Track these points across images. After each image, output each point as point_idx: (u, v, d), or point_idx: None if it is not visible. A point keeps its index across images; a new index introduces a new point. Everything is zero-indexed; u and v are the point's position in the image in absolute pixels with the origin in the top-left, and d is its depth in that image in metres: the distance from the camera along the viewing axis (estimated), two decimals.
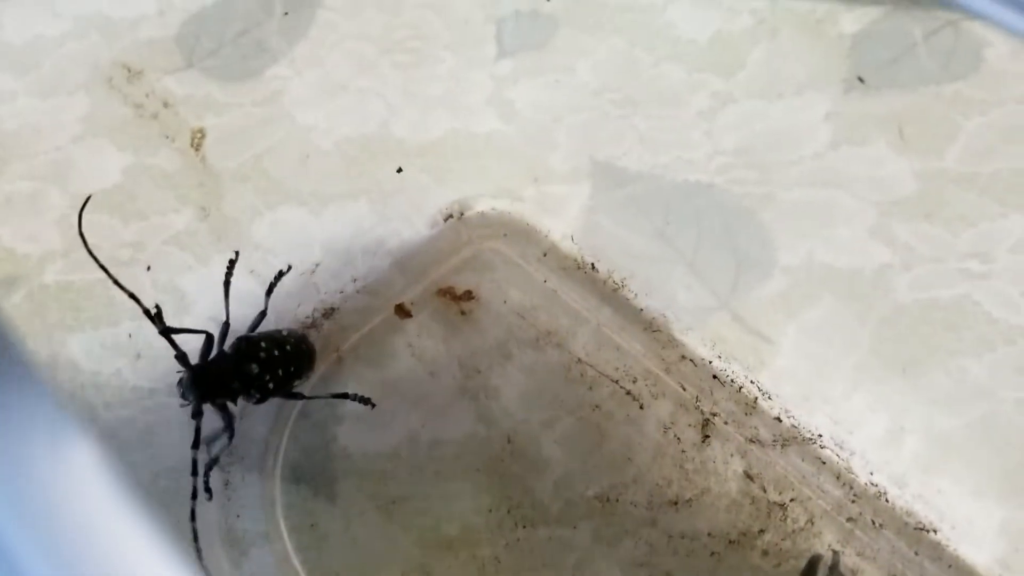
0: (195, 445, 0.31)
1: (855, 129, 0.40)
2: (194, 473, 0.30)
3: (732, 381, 0.37)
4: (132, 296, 0.31)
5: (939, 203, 0.37)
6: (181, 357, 0.31)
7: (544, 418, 0.36)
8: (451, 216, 0.40)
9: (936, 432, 0.34)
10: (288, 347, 0.34)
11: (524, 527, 0.34)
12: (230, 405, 0.33)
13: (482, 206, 0.40)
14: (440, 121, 0.41)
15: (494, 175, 0.39)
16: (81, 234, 0.32)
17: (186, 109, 0.41)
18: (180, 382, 0.32)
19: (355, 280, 0.39)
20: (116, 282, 0.31)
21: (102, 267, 0.31)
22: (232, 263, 0.34)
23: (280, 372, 0.33)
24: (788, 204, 0.38)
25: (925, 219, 0.37)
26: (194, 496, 0.30)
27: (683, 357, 0.36)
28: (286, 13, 0.43)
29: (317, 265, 0.38)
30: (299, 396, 0.35)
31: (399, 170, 0.39)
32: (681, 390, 0.36)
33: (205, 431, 0.32)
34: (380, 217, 0.39)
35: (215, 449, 0.33)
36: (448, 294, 0.38)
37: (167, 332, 0.31)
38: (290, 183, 0.40)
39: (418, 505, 0.35)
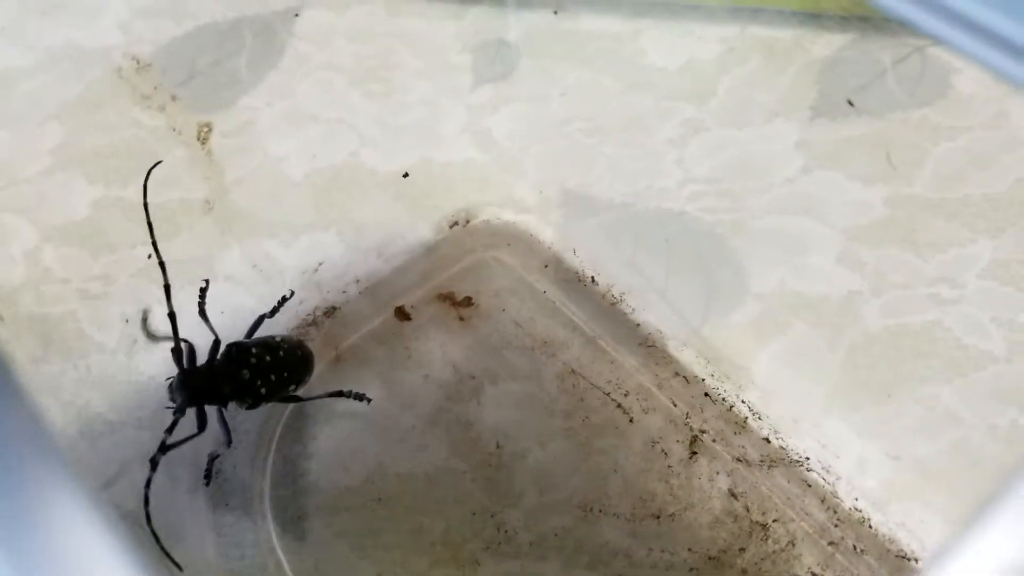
0: (169, 431, 0.31)
1: (825, 156, 0.40)
2: (162, 451, 0.31)
3: (723, 400, 0.37)
4: (162, 264, 0.31)
5: (909, 229, 0.38)
6: (176, 351, 0.31)
7: (534, 426, 0.36)
8: (456, 223, 0.40)
9: (915, 459, 0.34)
10: (281, 353, 0.34)
11: (505, 531, 0.34)
12: (224, 411, 0.33)
13: (487, 215, 0.41)
14: (413, 150, 0.41)
15: (466, 203, 0.39)
16: (145, 205, 0.33)
17: None
18: (170, 386, 0.32)
19: (358, 281, 0.39)
20: (155, 246, 0.31)
21: (150, 229, 0.32)
22: (203, 291, 0.34)
23: (273, 378, 0.33)
24: (760, 231, 0.39)
25: (895, 245, 0.37)
26: (147, 485, 0.30)
27: (676, 374, 0.37)
28: (256, 43, 0.43)
29: (320, 264, 0.39)
30: (294, 399, 0.35)
31: (405, 175, 0.40)
32: (672, 406, 0.36)
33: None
34: (348, 247, 0.39)
35: (215, 448, 0.34)
36: (448, 299, 0.39)
37: (172, 316, 0.31)
38: (262, 215, 0.39)
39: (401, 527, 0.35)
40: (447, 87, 0.42)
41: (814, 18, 0.43)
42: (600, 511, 0.35)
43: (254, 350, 0.33)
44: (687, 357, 0.36)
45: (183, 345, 0.32)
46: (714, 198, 0.39)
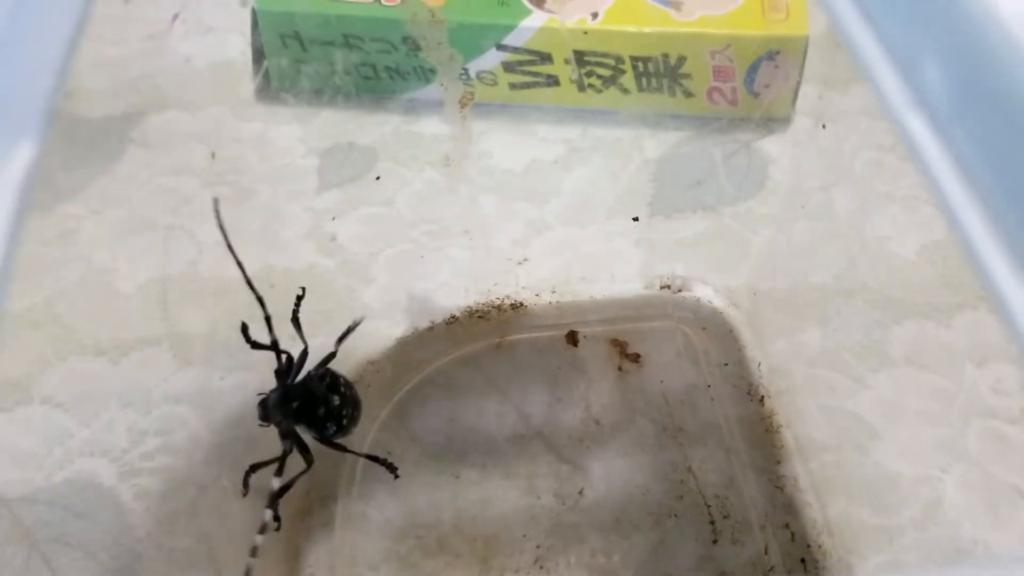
0: (278, 473, 0.28)
1: (664, 252, 0.41)
2: (275, 498, 0.28)
3: (817, 573, 0.33)
4: (256, 295, 0.29)
5: (738, 320, 0.39)
6: (281, 374, 0.30)
7: (626, 494, 0.35)
8: (667, 287, 0.40)
9: None
10: (350, 392, 0.32)
11: (541, 567, 0.33)
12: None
13: (702, 293, 0.40)
14: (256, 257, 0.40)
15: (308, 310, 0.38)
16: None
17: None
18: (263, 402, 0.29)
19: (554, 291, 0.40)
20: (246, 279, 0.29)
21: (238, 264, 0.29)
22: (299, 299, 0.33)
23: (352, 412, 0.32)
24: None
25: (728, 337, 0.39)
26: (262, 531, 0.28)
27: (786, 526, 0.34)
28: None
29: (525, 259, 0.40)
30: (343, 448, 0.33)
31: (635, 219, 0.41)
32: (763, 552, 0.33)
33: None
34: (180, 366, 0.36)
35: (290, 475, 0.30)
36: (619, 347, 0.39)
37: (268, 319, 0.30)
38: (86, 328, 0.37)
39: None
40: (292, 191, 0.42)
41: (654, 118, 0.46)
42: None
43: (341, 379, 0.31)
44: (807, 517, 0.34)
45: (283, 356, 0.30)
46: (556, 299, 0.40)
